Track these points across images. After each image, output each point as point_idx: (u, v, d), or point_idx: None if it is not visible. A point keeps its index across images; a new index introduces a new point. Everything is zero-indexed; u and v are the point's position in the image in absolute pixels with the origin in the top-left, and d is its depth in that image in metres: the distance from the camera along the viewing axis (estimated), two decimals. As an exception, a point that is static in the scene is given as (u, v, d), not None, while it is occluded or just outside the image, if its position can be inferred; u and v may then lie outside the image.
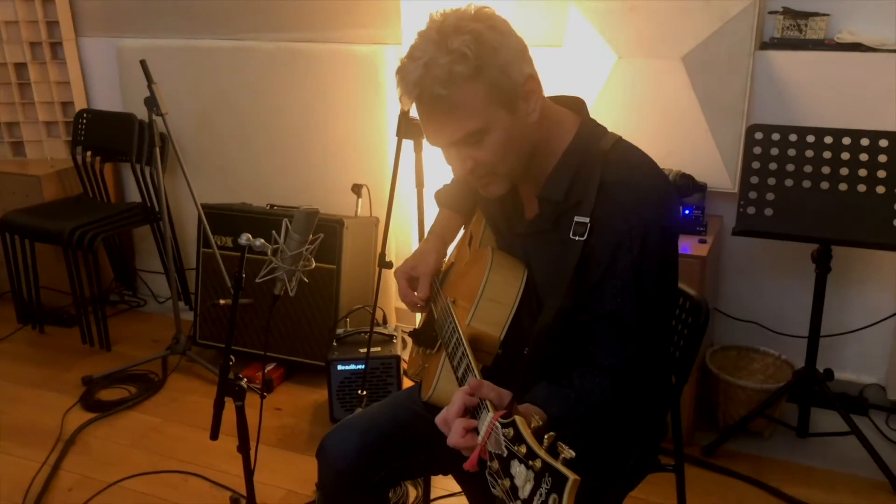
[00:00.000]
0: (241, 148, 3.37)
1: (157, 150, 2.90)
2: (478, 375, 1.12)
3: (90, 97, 3.71)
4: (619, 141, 1.29)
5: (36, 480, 2.38)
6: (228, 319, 1.69)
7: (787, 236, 2.24)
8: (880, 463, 2.28)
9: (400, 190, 2.36)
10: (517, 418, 0.91)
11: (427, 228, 1.67)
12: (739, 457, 2.43)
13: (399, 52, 2.92)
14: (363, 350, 2.55)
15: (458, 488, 1.85)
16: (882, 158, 2.12)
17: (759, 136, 2.26)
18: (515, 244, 1.38)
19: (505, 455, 0.90)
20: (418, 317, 2.68)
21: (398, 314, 3.25)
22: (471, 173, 1.26)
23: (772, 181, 2.23)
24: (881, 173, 2.12)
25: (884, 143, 2.13)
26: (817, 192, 2.18)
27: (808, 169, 2.20)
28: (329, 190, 3.17)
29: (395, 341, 2.67)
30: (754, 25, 2.41)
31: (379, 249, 2.40)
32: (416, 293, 1.53)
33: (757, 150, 2.25)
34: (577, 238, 1.21)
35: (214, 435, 1.72)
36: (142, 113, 2.99)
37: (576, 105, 1.34)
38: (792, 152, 2.22)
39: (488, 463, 0.93)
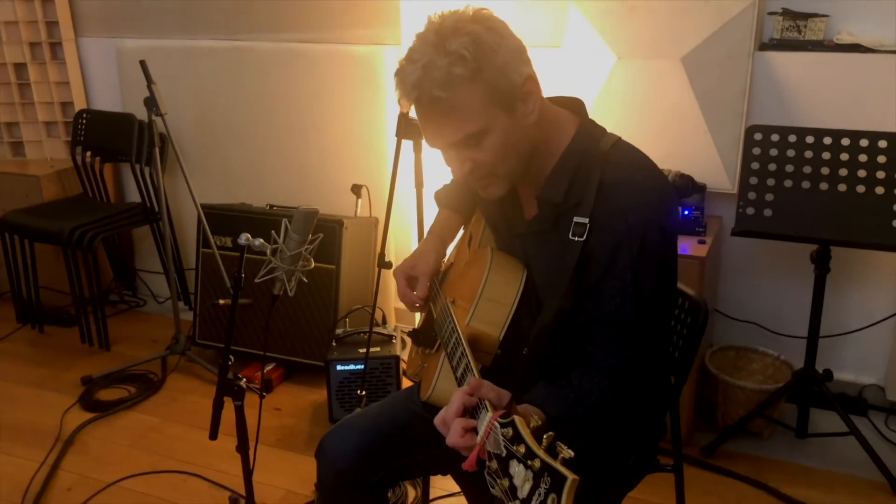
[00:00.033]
0: (241, 148, 3.37)
1: (157, 150, 2.91)
2: (477, 375, 1.12)
3: (90, 97, 3.71)
4: (618, 141, 1.29)
5: (35, 480, 2.38)
6: (228, 319, 1.69)
7: (787, 237, 2.24)
8: (879, 464, 2.28)
9: (399, 190, 2.36)
10: (516, 418, 0.91)
11: (426, 229, 1.67)
12: (738, 457, 2.43)
13: (398, 52, 2.92)
14: (362, 350, 2.55)
15: (457, 488, 1.85)
16: (881, 159, 2.12)
17: (758, 136, 2.26)
18: (515, 245, 1.38)
19: (504, 455, 0.90)
20: (417, 317, 2.68)
21: (397, 314, 3.25)
22: (470, 174, 1.26)
23: (771, 182, 2.23)
24: (880, 174, 2.12)
25: (883, 143, 2.13)
26: (816, 193, 2.18)
27: (807, 170, 2.20)
28: (328, 190, 3.17)
29: (394, 341, 2.68)
30: (753, 26, 2.41)
31: (378, 250, 2.40)
32: (414, 293, 1.53)
33: (756, 150, 2.26)
34: (576, 238, 1.21)
35: (213, 435, 1.72)
36: (141, 113, 2.99)
37: (574, 106, 1.34)
38: (791, 153, 2.22)
39: (487, 463, 0.93)
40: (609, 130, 1.32)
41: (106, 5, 3.53)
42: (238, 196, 3.30)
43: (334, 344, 2.68)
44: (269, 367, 2.93)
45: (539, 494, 0.82)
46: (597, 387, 1.17)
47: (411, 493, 2.25)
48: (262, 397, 2.03)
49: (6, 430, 2.68)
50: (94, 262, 3.14)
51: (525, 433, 0.88)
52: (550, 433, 0.86)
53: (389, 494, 2.18)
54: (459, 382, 1.20)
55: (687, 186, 2.44)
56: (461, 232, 1.64)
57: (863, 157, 2.14)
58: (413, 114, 1.24)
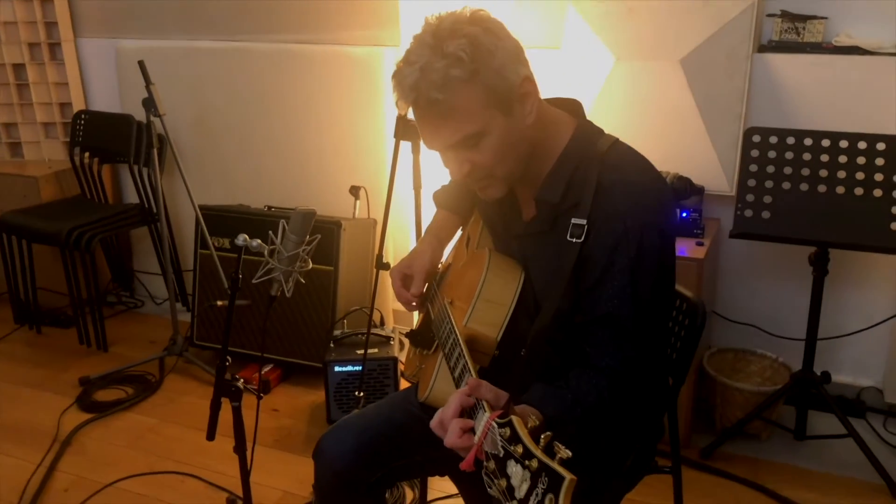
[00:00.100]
0: (239, 149, 3.37)
1: (155, 151, 2.91)
2: (474, 376, 1.12)
3: (88, 98, 3.71)
4: (615, 143, 1.29)
5: (32, 481, 2.38)
6: (225, 320, 1.69)
7: (785, 239, 2.24)
8: (877, 466, 2.28)
9: (398, 191, 2.36)
10: (514, 418, 0.91)
11: (424, 230, 1.67)
12: (736, 459, 2.43)
13: (397, 54, 2.91)
14: (360, 351, 2.55)
15: (454, 490, 1.85)
16: (879, 162, 2.13)
17: (756, 138, 2.26)
18: (513, 246, 1.38)
19: (501, 455, 0.90)
20: (416, 318, 2.68)
21: (396, 316, 3.25)
22: (468, 176, 1.26)
23: (769, 184, 2.23)
24: (878, 176, 2.12)
25: (881, 146, 2.13)
26: (815, 195, 2.18)
27: (805, 172, 2.20)
28: (327, 191, 3.17)
29: (392, 343, 2.67)
30: (752, 28, 2.41)
31: (376, 251, 2.40)
32: (410, 291, 1.53)
33: (754, 152, 2.26)
34: (574, 240, 1.21)
35: (211, 436, 1.72)
36: (140, 114, 3.00)
37: (572, 107, 1.34)
38: (789, 155, 2.22)
39: (485, 463, 0.93)
40: (607, 132, 1.32)
41: (105, 6, 3.53)
42: (236, 197, 3.29)
43: (332, 345, 2.68)
44: (266, 369, 2.93)
45: (536, 495, 0.82)
46: (595, 387, 1.17)
47: (409, 495, 2.25)
48: (259, 398, 2.04)
49: (3, 430, 2.67)
50: (92, 262, 3.14)
51: (522, 433, 0.88)
52: (548, 433, 0.86)
53: (387, 495, 2.17)
54: (457, 383, 1.20)
55: (685, 188, 2.45)
56: (459, 233, 1.64)
57: (861, 160, 2.15)
58: (411, 115, 1.24)
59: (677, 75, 2.50)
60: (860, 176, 2.14)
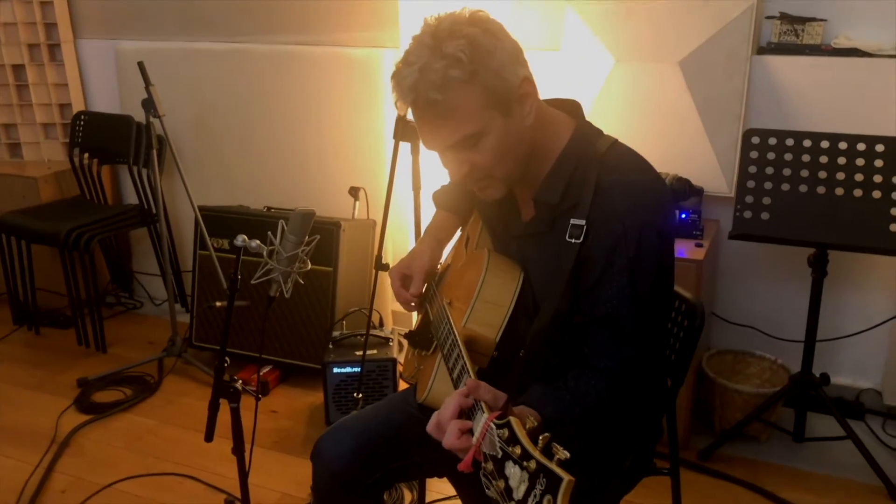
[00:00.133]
0: (239, 150, 3.37)
1: (155, 152, 2.90)
2: (473, 377, 1.12)
3: (88, 99, 3.71)
4: (614, 143, 1.29)
5: (30, 482, 2.37)
6: (224, 321, 1.69)
7: (784, 240, 2.24)
8: (876, 468, 2.28)
9: (397, 192, 2.36)
10: (512, 419, 0.91)
11: (423, 230, 1.67)
12: (735, 461, 2.43)
13: (397, 55, 2.92)
14: (359, 353, 2.55)
15: (453, 491, 1.85)
16: (878, 163, 2.13)
17: (755, 140, 2.26)
18: (512, 246, 1.38)
19: (499, 456, 0.89)
20: (414, 319, 2.68)
21: (395, 317, 3.25)
22: (467, 177, 1.26)
23: (768, 185, 2.23)
24: (877, 178, 2.12)
25: (880, 147, 2.13)
26: (814, 197, 2.18)
27: (804, 173, 2.20)
28: (326, 192, 3.17)
29: (391, 344, 2.67)
30: (751, 30, 2.42)
31: (376, 252, 2.40)
32: (409, 291, 1.53)
33: (753, 154, 2.26)
34: (573, 240, 1.21)
35: (209, 437, 1.72)
36: (139, 115, 3.00)
37: (571, 108, 1.34)
38: (788, 157, 2.22)
39: (483, 464, 0.93)
40: (606, 133, 1.32)
41: (105, 7, 3.53)
42: (236, 198, 3.29)
43: (331, 346, 2.68)
44: (265, 370, 2.93)
45: (535, 496, 0.82)
46: (593, 388, 1.17)
47: (407, 496, 2.24)
48: (257, 399, 2.04)
49: (1, 431, 2.67)
50: (91, 263, 3.13)
51: (521, 434, 0.88)
52: (546, 434, 0.86)
53: (385, 497, 2.17)
54: (456, 384, 1.20)
55: (684, 190, 2.45)
56: (458, 233, 1.64)
57: (860, 161, 2.15)
58: (410, 116, 1.24)
59: (676, 77, 2.50)
60: (859, 177, 2.14)
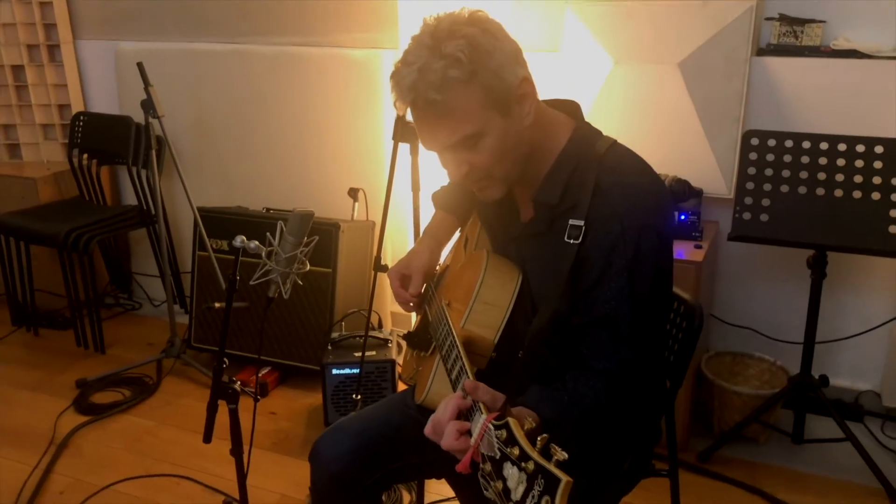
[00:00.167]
0: (238, 151, 3.37)
1: (154, 152, 2.90)
2: (471, 378, 1.12)
3: (87, 100, 3.71)
4: (613, 144, 1.29)
5: (28, 483, 2.37)
6: (223, 322, 1.69)
7: (783, 242, 2.24)
8: (875, 470, 2.27)
9: (396, 194, 2.36)
10: (510, 420, 0.91)
11: (422, 231, 1.67)
12: (734, 463, 2.43)
13: (396, 56, 2.92)
14: (358, 354, 2.54)
15: (452, 493, 1.84)
16: (877, 165, 2.13)
17: (755, 141, 2.26)
18: (510, 247, 1.38)
19: (498, 457, 0.89)
20: (413, 321, 2.68)
21: (394, 318, 3.24)
22: (466, 177, 1.26)
23: (767, 187, 2.23)
24: (876, 179, 2.12)
25: (879, 149, 2.13)
26: (813, 198, 2.18)
27: (803, 175, 2.20)
28: (326, 194, 3.17)
29: (390, 345, 2.67)
30: (751, 32, 2.42)
31: (375, 253, 2.40)
32: (408, 291, 1.53)
33: (753, 155, 2.26)
34: (571, 241, 1.21)
35: (207, 438, 1.71)
36: (139, 116, 2.99)
37: (570, 108, 1.34)
38: (788, 158, 2.22)
39: (481, 465, 0.93)
40: (605, 134, 1.32)
41: (104, 8, 3.53)
42: (235, 199, 3.29)
43: (330, 348, 2.68)
44: (264, 371, 2.92)
45: (533, 497, 0.81)
46: (591, 389, 1.17)
47: (406, 498, 2.24)
48: (256, 400, 2.03)
49: (0, 432, 2.67)
50: (90, 264, 3.13)
51: (519, 435, 0.88)
52: (544, 435, 0.86)
53: (384, 498, 2.17)
54: (454, 385, 1.19)
55: (683, 191, 2.45)
56: (457, 234, 1.64)
57: (859, 163, 2.15)
58: (409, 117, 1.24)
59: (676, 78, 2.50)
60: (858, 179, 2.14)
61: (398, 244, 3.15)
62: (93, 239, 3.10)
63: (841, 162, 2.16)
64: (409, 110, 1.22)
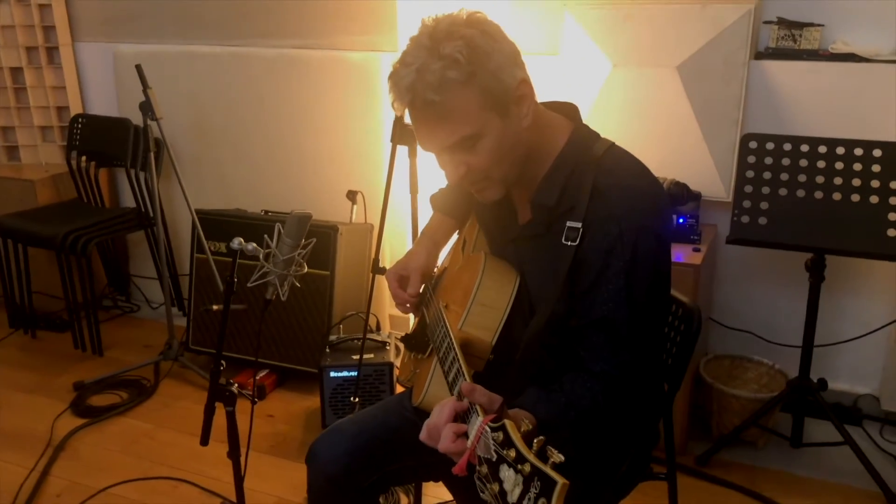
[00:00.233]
0: (236, 154, 3.37)
1: (152, 155, 2.90)
2: (469, 380, 1.12)
3: (86, 102, 3.71)
4: (611, 147, 1.29)
5: (25, 486, 2.36)
6: (220, 324, 1.68)
7: (781, 245, 2.24)
8: (874, 473, 2.27)
9: (394, 196, 2.36)
10: (507, 422, 0.90)
11: (420, 233, 1.66)
12: (733, 466, 2.43)
13: (394, 58, 2.92)
14: (356, 357, 2.54)
15: (449, 496, 1.84)
16: (876, 168, 2.13)
17: (753, 145, 2.26)
18: (508, 249, 1.38)
19: (494, 459, 0.89)
20: (411, 323, 2.68)
21: (392, 321, 3.24)
22: (464, 178, 1.26)
23: (766, 190, 2.23)
24: (875, 183, 2.12)
25: (877, 152, 2.13)
26: (811, 202, 2.18)
27: (802, 178, 2.20)
28: (324, 196, 3.17)
29: (388, 348, 2.66)
30: (749, 35, 2.42)
31: (373, 256, 2.40)
32: (406, 292, 1.53)
33: (751, 158, 2.26)
34: (569, 243, 1.21)
35: (205, 441, 1.71)
36: (137, 118, 2.99)
37: (569, 111, 1.34)
38: (786, 161, 2.22)
39: (477, 467, 0.93)
40: (603, 136, 1.32)
41: (103, 10, 3.53)
42: (233, 202, 3.29)
43: (328, 350, 2.67)
44: (262, 374, 2.92)
45: (529, 499, 0.81)
46: (589, 391, 1.17)
47: (403, 500, 2.24)
48: (253, 403, 2.03)
49: (-3, 435, 2.67)
50: (88, 267, 3.13)
51: (515, 437, 0.87)
52: (541, 437, 0.85)
53: (381, 500, 2.16)
54: (451, 387, 1.19)
55: (682, 194, 2.45)
56: (455, 236, 1.64)
57: (857, 166, 2.15)
58: (408, 119, 1.24)
59: (674, 81, 2.50)
60: (857, 182, 2.14)
61: (396, 247, 3.15)
62: (91, 241, 3.10)
63: (839, 165, 2.16)
64: (406, 111, 1.22)
